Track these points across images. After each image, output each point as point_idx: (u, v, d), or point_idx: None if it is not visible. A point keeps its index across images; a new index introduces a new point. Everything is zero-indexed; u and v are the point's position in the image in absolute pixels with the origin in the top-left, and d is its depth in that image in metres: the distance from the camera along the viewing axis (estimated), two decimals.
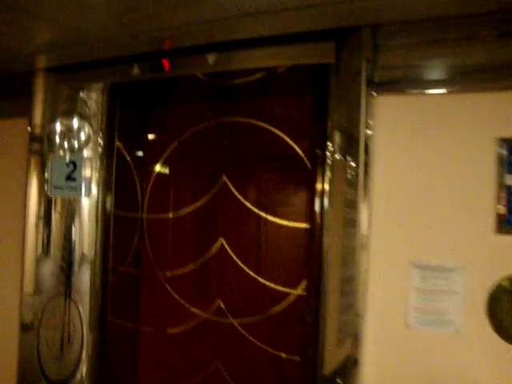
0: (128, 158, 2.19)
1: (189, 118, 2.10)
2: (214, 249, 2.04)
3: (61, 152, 2.00)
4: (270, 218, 1.93)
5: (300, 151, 1.86)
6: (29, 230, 2.03)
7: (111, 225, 2.10)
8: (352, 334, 1.51)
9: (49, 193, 1.99)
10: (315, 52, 1.53)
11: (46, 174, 2.02)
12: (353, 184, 1.52)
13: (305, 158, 1.85)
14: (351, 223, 1.53)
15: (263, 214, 1.94)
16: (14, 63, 1.92)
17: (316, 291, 1.65)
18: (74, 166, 1.97)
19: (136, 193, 2.20)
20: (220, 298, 2.03)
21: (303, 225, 1.85)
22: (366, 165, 1.46)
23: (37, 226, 2.01)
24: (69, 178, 1.96)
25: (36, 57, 1.91)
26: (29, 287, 2.03)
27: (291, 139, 1.88)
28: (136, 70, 1.82)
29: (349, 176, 1.54)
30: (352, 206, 1.53)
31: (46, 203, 2.02)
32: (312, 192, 1.72)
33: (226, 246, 2.01)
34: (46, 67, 1.99)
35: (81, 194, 1.97)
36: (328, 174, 1.57)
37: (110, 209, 2.10)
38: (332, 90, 1.55)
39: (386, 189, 1.46)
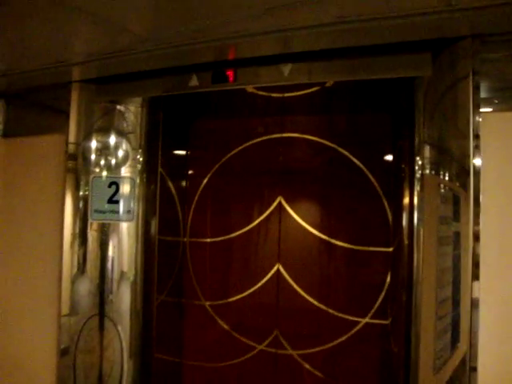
0: (167, 176, 2.00)
1: (237, 133, 1.96)
2: (270, 275, 1.89)
3: (96, 170, 1.80)
4: (333, 241, 1.81)
5: (366, 169, 1.77)
6: (65, 247, 1.84)
7: (155, 245, 1.92)
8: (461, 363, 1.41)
9: (89, 218, 1.77)
10: (408, 64, 1.44)
11: (80, 192, 1.83)
12: (449, 200, 1.45)
13: (371, 177, 1.76)
14: (447, 241, 1.45)
15: (325, 237, 1.82)
16: (52, 74, 1.70)
17: (404, 317, 1.55)
18: (117, 187, 1.76)
19: (177, 214, 2.01)
20: (277, 328, 1.87)
21: (377, 248, 1.75)
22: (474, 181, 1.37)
23: (72, 243, 1.84)
24: (111, 200, 1.76)
25: (74, 67, 1.71)
26: (64, 308, 1.84)
27: (355, 156, 1.78)
28: (194, 81, 1.67)
29: (443, 191, 1.47)
30: (448, 223, 1.44)
31: (82, 221, 1.83)
32: (396, 210, 1.63)
33: (283, 272, 1.87)
34: (83, 79, 1.79)
35: (124, 219, 1.77)
36: (418, 190, 1.48)
37: (154, 230, 1.91)
38: (420, 103, 1.47)
39: (498, 207, 1.35)
